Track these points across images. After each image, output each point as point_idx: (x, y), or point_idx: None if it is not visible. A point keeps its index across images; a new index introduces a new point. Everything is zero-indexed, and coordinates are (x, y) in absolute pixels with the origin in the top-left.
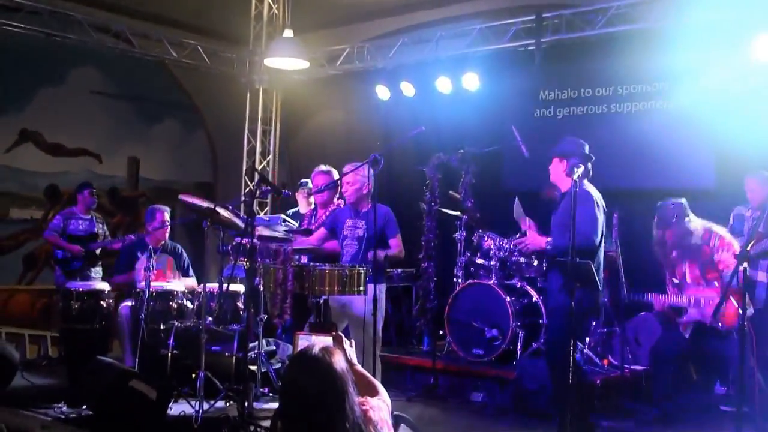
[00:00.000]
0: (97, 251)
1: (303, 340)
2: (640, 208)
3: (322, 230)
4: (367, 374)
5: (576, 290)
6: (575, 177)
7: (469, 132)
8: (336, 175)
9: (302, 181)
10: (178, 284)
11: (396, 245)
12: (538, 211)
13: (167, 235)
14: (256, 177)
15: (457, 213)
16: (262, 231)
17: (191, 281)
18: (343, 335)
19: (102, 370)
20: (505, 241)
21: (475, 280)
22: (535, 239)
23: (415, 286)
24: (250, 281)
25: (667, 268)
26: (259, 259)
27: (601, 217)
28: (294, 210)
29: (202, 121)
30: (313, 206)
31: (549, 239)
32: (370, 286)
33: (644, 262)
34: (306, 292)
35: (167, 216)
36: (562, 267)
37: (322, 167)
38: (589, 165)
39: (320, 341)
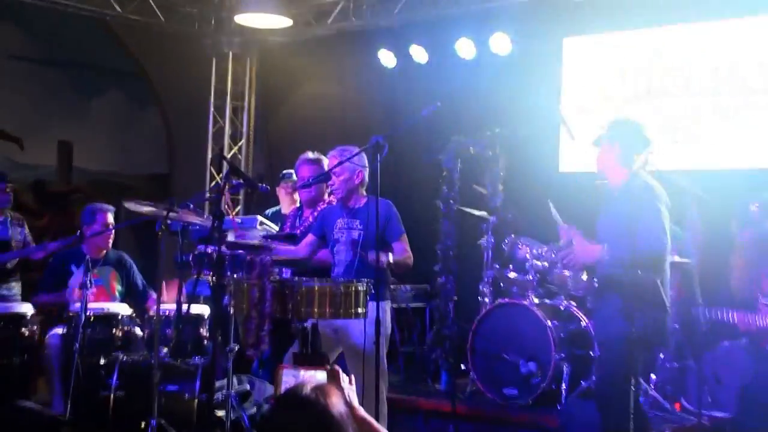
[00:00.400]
0: (10, 264)
1: (288, 377)
2: (717, 203)
3: (311, 237)
4: (371, 420)
5: (637, 314)
6: (635, 167)
7: (498, 109)
8: (327, 165)
9: (284, 172)
10: (124, 306)
11: (401, 249)
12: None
13: (111, 242)
14: (225, 167)
15: (483, 213)
16: (232, 237)
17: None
18: (339, 370)
19: (22, 419)
20: (545, 248)
21: (507, 300)
22: (586, 248)
23: (429, 307)
24: (216, 301)
25: (753, 281)
26: (228, 273)
27: (668, 219)
28: (274, 209)
29: (154, 95)
30: (298, 205)
31: (605, 248)
32: (371, 305)
33: (724, 273)
34: (289, 315)
35: (111, 218)
36: (618, 284)
37: (310, 155)
38: (650, 152)
39: (311, 378)
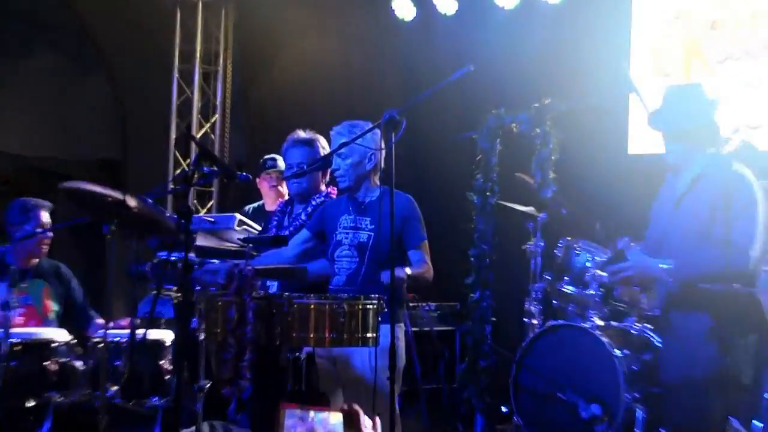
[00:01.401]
0: None
1: (293, 420)
2: None
3: (304, 233)
4: None
5: (732, 340)
6: (714, 148)
7: (548, 73)
8: (324, 147)
9: (268, 158)
10: (61, 331)
11: (420, 260)
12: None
13: (46, 248)
14: (194, 150)
15: (530, 209)
16: (202, 239)
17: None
18: (360, 411)
19: None
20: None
21: (561, 321)
22: (642, 264)
23: (459, 331)
24: (182, 324)
25: None
26: (198, 288)
27: (762, 217)
28: (256, 205)
29: (101, 58)
30: (286, 199)
31: (667, 266)
32: (384, 329)
33: None
34: (277, 341)
35: (47, 217)
36: (708, 299)
37: (301, 134)
38: (735, 135)
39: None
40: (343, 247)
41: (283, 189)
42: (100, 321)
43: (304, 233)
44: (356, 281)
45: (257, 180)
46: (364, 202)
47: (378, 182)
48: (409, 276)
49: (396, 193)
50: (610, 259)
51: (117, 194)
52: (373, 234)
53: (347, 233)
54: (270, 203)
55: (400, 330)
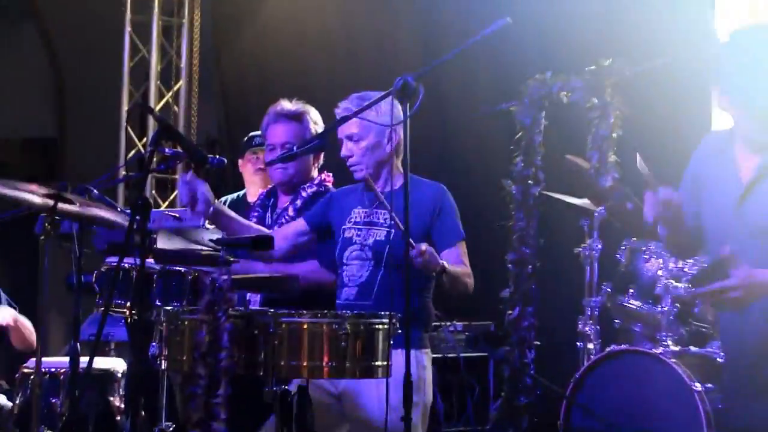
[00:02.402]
0: None
1: None
2: None
3: (299, 223)
4: None
5: None
6: None
7: (608, 28)
8: (316, 122)
9: (253, 135)
10: None
11: (457, 261)
12: None
13: None
14: (152, 126)
15: (585, 201)
16: (164, 241)
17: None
18: None
19: None
20: (690, 261)
21: (625, 346)
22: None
23: (493, 358)
24: (138, 350)
25: None
26: (158, 303)
27: None
28: (234, 196)
29: (30, 7)
30: (268, 189)
31: None
32: (398, 356)
33: None
34: (260, 371)
35: None
36: None
37: (286, 105)
38: None
39: None
40: (353, 247)
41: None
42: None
43: (300, 224)
44: (370, 293)
45: (239, 162)
46: (383, 192)
47: (401, 168)
48: (446, 272)
49: (422, 181)
50: (704, 272)
51: (47, 189)
52: (392, 231)
53: (360, 230)
54: (254, 192)
55: (427, 357)
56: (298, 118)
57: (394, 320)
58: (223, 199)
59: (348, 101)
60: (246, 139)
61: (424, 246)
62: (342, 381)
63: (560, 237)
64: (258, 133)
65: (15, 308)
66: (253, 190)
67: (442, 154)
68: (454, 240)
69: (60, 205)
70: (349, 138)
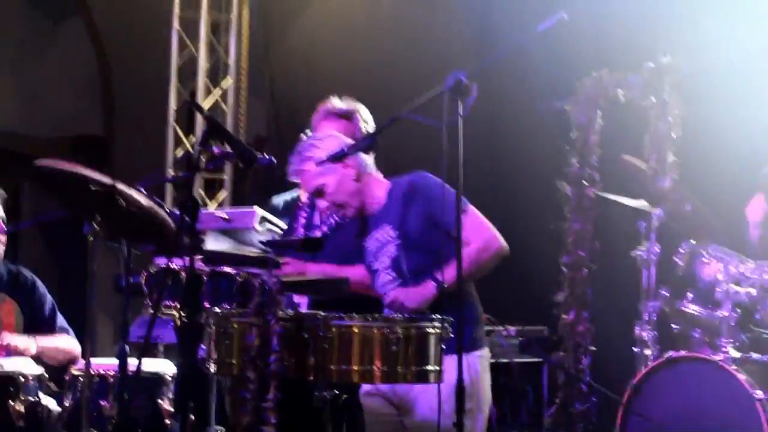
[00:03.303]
0: None
1: None
2: None
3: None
4: None
5: None
6: None
7: (668, 22)
8: (366, 121)
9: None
10: (28, 361)
11: (476, 228)
12: None
13: (1, 250)
14: (200, 124)
15: (642, 203)
16: (213, 242)
17: (63, 343)
18: None
19: None
20: (752, 265)
21: (684, 353)
22: None
23: (548, 364)
24: (187, 353)
25: None
26: (207, 305)
27: None
28: (288, 197)
29: (78, 3)
30: None
31: None
32: (450, 362)
33: None
34: (310, 375)
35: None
36: None
37: (337, 104)
38: None
39: None
40: (382, 275)
41: None
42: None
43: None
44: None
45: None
46: (375, 213)
47: (380, 176)
48: (443, 286)
49: (397, 182)
50: None
51: (105, 179)
52: (398, 242)
53: (376, 258)
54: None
55: (482, 357)
56: (348, 116)
57: (446, 324)
58: (276, 200)
59: (306, 149)
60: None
61: (390, 296)
62: (399, 387)
63: (616, 239)
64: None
65: (68, 332)
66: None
67: (493, 154)
68: (452, 214)
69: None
70: (317, 194)
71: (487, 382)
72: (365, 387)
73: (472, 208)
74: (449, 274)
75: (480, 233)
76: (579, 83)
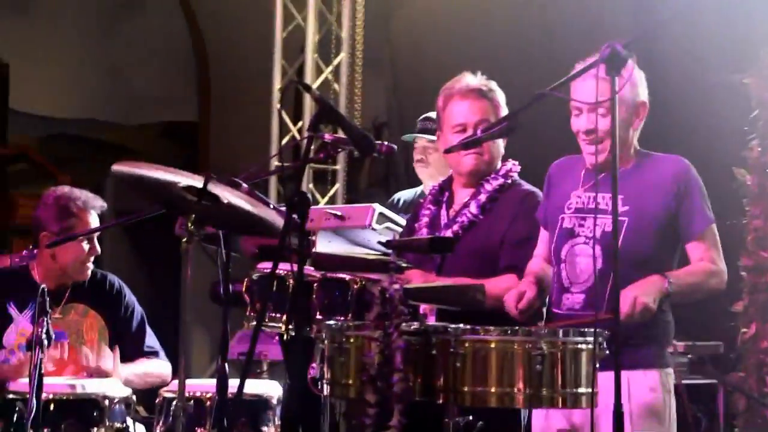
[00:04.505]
0: None
1: None
2: None
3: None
4: None
5: None
6: None
7: None
8: (501, 102)
9: (427, 117)
10: (114, 382)
11: (705, 255)
12: None
13: (91, 258)
14: (309, 107)
15: None
16: (324, 243)
17: (151, 368)
18: None
19: None
20: None
21: None
22: None
23: (724, 386)
24: (295, 371)
25: None
26: (318, 316)
27: None
28: (414, 192)
29: None
30: (442, 180)
31: None
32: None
33: None
34: (439, 399)
35: (93, 214)
36: None
37: (472, 81)
38: None
39: None
40: (576, 240)
41: (432, 164)
42: (167, 367)
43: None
44: (602, 298)
45: (413, 149)
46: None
47: (637, 145)
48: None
49: (658, 157)
50: None
51: (193, 180)
52: (628, 219)
53: (583, 218)
54: (429, 185)
55: (663, 378)
56: (487, 95)
57: (600, 339)
58: (398, 195)
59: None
60: (421, 121)
61: (633, 301)
62: (577, 414)
63: None
64: (428, 115)
65: (157, 353)
66: (429, 181)
67: (657, 135)
68: (702, 227)
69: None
70: (593, 109)
71: (670, 406)
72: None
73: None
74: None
75: (716, 265)
76: (762, 52)
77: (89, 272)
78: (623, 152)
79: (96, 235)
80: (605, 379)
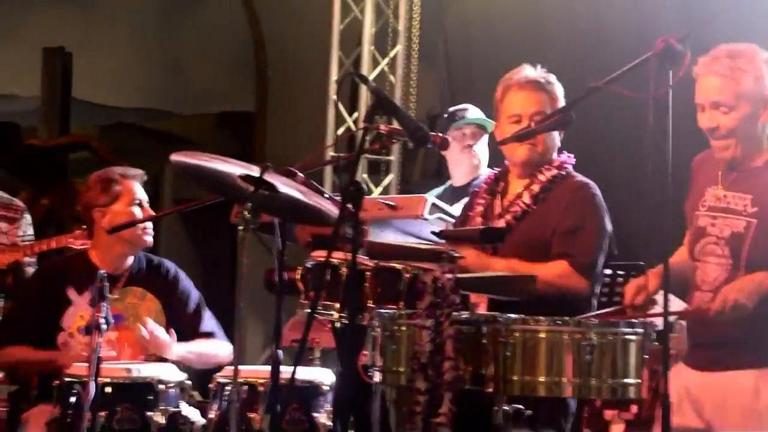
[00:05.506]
0: None
1: None
2: None
3: None
4: None
5: None
6: None
7: None
8: (560, 98)
9: (455, 109)
10: (170, 367)
11: None
12: None
13: (149, 238)
14: (364, 98)
15: None
16: (377, 233)
17: (207, 348)
18: None
19: None
20: None
21: None
22: None
23: None
24: (347, 360)
25: None
26: (370, 305)
27: None
28: (443, 188)
29: None
30: (496, 172)
31: None
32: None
33: None
34: (488, 387)
35: (140, 190)
36: None
37: (531, 73)
38: None
39: None
40: (707, 240)
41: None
42: (227, 351)
43: None
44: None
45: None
46: (745, 167)
47: None
48: None
49: None
50: None
51: (249, 170)
52: (757, 221)
53: (714, 217)
54: (461, 176)
55: None
56: (545, 87)
57: (649, 330)
58: (434, 191)
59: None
60: (447, 114)
61: (724, 299)
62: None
63: None
64: (462, 106)
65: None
66: (459, 173)
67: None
68: None
69: (262, 191)
70: (716, 107)
71: None
72: None
73: None
74: None
75: None
76: None
77: (150, 238)
78: (751, 148)
79: (150, 217)
80: (728, 378)
